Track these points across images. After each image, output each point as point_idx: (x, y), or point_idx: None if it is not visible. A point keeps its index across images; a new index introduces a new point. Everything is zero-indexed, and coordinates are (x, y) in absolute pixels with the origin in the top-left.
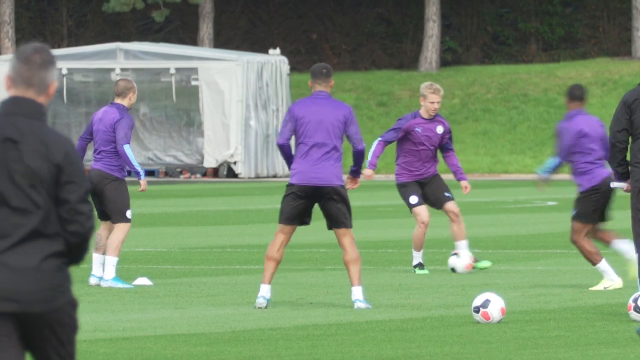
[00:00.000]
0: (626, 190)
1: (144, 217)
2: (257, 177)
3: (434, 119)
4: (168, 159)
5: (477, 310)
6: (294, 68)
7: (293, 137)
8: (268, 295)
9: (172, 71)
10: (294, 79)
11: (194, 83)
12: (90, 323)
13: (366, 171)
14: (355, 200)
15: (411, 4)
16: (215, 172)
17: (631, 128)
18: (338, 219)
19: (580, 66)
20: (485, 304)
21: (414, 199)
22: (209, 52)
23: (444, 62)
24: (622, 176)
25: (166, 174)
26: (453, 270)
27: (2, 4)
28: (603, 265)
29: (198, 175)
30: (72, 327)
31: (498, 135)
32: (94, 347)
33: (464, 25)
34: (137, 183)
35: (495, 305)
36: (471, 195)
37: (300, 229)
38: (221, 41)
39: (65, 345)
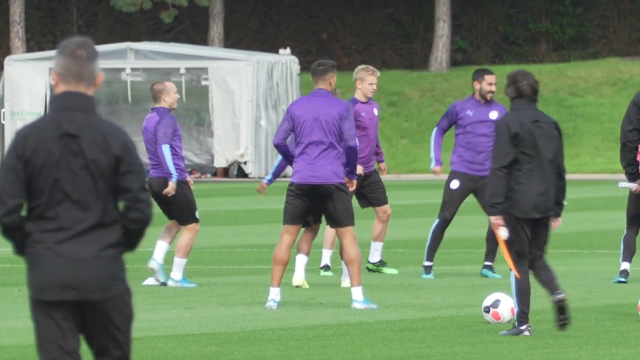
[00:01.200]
0: (635, 191)
1: (155, 217)
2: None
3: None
4: None
5: (487, 310)
6: (304, 68)
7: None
8: (278, 297)
9: (182, 71)
10: (305, 78)
11: (204, 83)
12: None
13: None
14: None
15: (421, 4)
16: (225, 172)
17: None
18: (336, 217)
19: (591, 66)
20: (496, 304)
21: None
22: (219, 52)
23: (454, 62)
24: (632, 176)
25: None
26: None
27: (12, 3)
28: None
29: (208, 175)
30: (128, 314)
31: None
32: None
33: (474, 25)
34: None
35: (506, 305)
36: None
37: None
38: (231, 41)
39: (122, 332)
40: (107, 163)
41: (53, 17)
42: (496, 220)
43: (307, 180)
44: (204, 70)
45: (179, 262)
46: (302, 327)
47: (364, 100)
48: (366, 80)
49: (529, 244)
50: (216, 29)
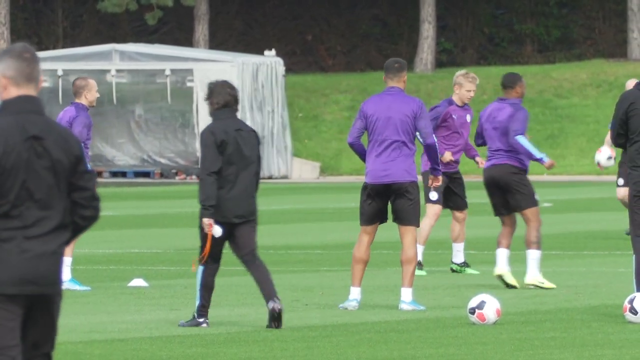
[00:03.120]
0: None
1: (140, 219)
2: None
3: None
4: (163, 161)
5: (472, 311)
6: (289, 69)
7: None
8: (359, 297)
9: (168, 72)
10: (290, 80)
11: (189, 84)
12: (86, 324)
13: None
14: (350, 202)
15: (406, 5)
16: None
17: (628, 132)
18: (402, 215)
19: (576, 67)
20: (481, 305)
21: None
22: (204, 54)
23: (439, 64)
24: None
25: (162, 175)
26: None
27: None
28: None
29: (193, 177)
30: (59, 312)
31: None
32: (89, 348)
33: (459, 26)
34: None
35: (491, 307)
36: (468, 197)
37: (291, 230)
38: (216, 42)
39: (55, 329)
40: (68, 163)
41: (38, 18)
42: (209, 221)
43: (381, 180)
44: (189, 71)
45: (65, 262)
46: (287, 329)
47: (459, 104)
48: (464, 87)
49: (235, 247)
50: (201, 30)
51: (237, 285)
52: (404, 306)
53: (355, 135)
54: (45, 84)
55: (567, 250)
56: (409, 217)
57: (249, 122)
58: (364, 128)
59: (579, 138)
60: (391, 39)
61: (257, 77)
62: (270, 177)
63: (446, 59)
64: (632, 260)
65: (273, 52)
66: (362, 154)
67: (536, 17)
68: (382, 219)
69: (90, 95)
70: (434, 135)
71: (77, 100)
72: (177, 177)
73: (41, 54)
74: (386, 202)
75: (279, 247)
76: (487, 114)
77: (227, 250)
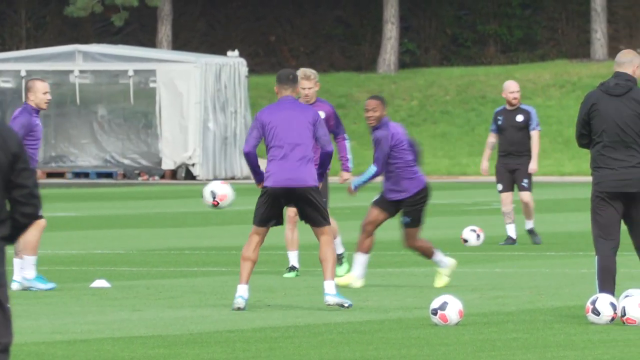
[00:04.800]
0: None
1: (103, 220)
2: (215, 179)
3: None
4: (126, 161)
5: (434, 312)
6: (252, 70)
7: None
8: (246, 295)
9: (131, 73)
10: (253, 81)
11: (152, 85)
12: (48, 325)
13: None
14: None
15: (369, 6)
16: (173, 174)
17: (591, 132)
18: (313, 218)
19: (539, 68)
20: (443, 307)
21: None
22: (167, 54)
23: (402, 64)
24: None
25: (124, 176)
26: None
27: None
28: (439, 255)
29: (156, 178)
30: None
31: (456, 137)
32: (51, 349)
33: (422, 27)
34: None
35: (453, 308)
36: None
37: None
38: (179, 43)
39: (7, 317)
40: (6, 161)
41: (1, 19)
42: None
43: (285, 184)
44: (152, 72)
45: (29, 260)
46: (249, 329)
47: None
48: (300, 85)
49: None
50: (164, 31)
51: (199, 286)
52: (329, 299)
53: (252, 145)
54: (8, 85)
55: (529, 252)
56: (319, 219)
57: (211, 123)
58: (261, 137)
59: (541, 139)
60: (354, 40)
61: (220, 77)
62: (232, 178)
63: (409, 60)
64: (593, 261)
65: (236, 52)
66: (255, 165)
67: (499, 18)
68: (278, 221)
69: (35, 97)
70: (331, 144)
71: (26, 102)
72: (139, 178)
73: (4, 55)
74: (283, 206)
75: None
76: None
77: (181, 252)
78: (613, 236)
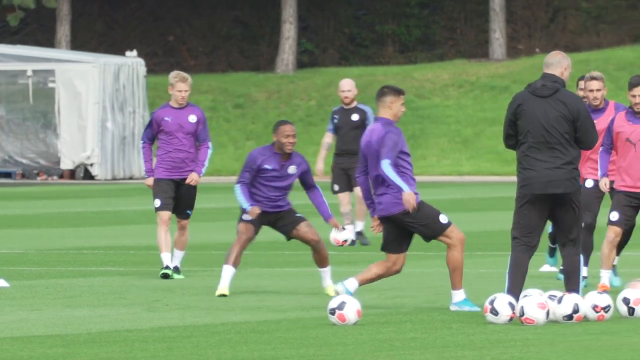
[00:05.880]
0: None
1: (1, 219)
2: (114, 178)
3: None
4: (25, 161)
5: (332, 312)
6: (150, 70)
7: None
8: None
9: (29, 73)
10: (151, 81)
11: (50, 85)
12: None
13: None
14: (211, 202)
15: (268, 6)
16: (72, 174)
17: (517, 133)
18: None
19: (437, 68)
20: (341, 306)
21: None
22: (66, 54)
23: (300, 64)
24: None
25: (23, 175)
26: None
27: None
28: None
29: (55, 177)
30: None
31: None
32: None
33: (320, 27)
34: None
35: (351, 307)
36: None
37: (152, 230)
38: (78, 44)
39: None
40: None
41: None
42: None
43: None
44: (51, 72)
45: None
46: (148, 329)
47: (175, 105)
48: (175, 87)
49: None
50: (63, 31)
51: (98, 286)
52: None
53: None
54: None
55: (427, 251)
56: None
57: (109, 123)
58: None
59: (440, 139)
60: (252, 40)
61: (118, 77)
62: (131, 178)
63: (307, 60)
64: (497, 260)
65: (134, 53)
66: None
67: (397, 17)
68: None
69: None
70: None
71: None
72: (38, 178)
73: None
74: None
75: (142, 248)
76: None
77: (80, 252)
78: (532, 239)
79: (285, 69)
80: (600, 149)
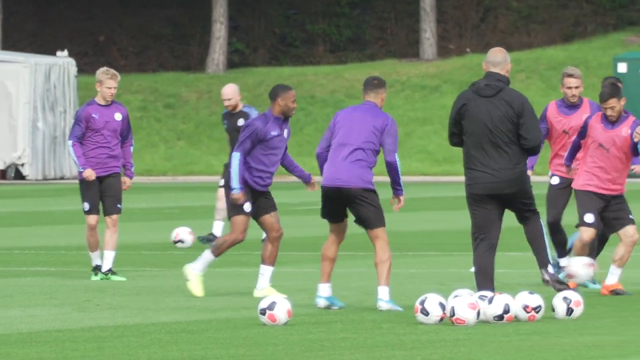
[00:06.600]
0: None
1: None
2: (45, 178)
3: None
4: None
5: (263, 312)
6: (81, 70)
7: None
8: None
9: None
10: (82, 80)
11: None
12: None
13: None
14: (141, 202)
15: (198, 6)
16: (2, 174)
17: (462, 132)
18: None
19: (368, 68)
20: (272, 306)
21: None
22: None
23: (231, 64)
24: None
25: None
26: None
27: None
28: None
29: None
30: None
31: None
32: None
33: (251, 27)
34: None
35: (282, 308)
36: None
37: (81, 232)
38: (9, 43)
39: None
40: None
41: None
42: None
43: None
44: None
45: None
46: (78, 329)
47: (102, 102)
48: (105, 84)
49: None
50: None
51: (28, 286)
52: (382, 305)
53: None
54: None
55: (357, 251)
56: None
57: (40, 123)
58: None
59: None
60: (183, 40)
61: (49, 77)
62: (62, 178)
63: (238, 60)
64: (429, 260)
65: (65, 52)
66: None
67: (328, 17)
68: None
69: None
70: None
71: None
72: None
73: None
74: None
75: (72, 248)
76: None
77: (10, 252)
78: (489, 235)
79: (215, 69)
80: (574, 139)
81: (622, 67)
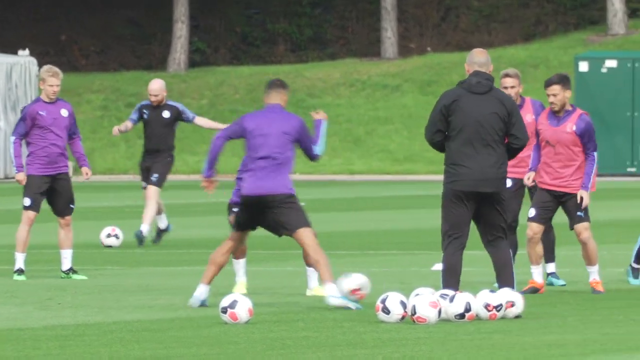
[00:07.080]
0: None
1: None
2: (7, 177)
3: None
4: None
5: (224, 310)
6: None
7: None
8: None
9: None
10: None
11: None
12: None
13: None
14: (102, 201)
15: (159, 5)
16: None
17: (447, 129)
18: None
19: (329, 67)
20: (233, 305)
21: None
22: None
23: (192, 63)
24: None
25: None
26: None
27: None
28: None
29: None
30: None
31: None
32: None
33: (212, 26)
34: None
35: (243, 306)
36: (216, 196)
37: (44, 229)
38: None
39: None
40: None
41: None
42: None
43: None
44: None
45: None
46: (40, 327)
47: (46, 100)
48: (47, 82)
49: None
50: None
51: None
52: (333, 300)
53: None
54: None
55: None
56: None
57: (2, 123)
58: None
59: (331, 138)
60: (144, 39)
61: (11, 77)
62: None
63: (199, 59)
64: (389, 259)
65: (27, 52)
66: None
67: (289, 16)
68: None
69: None
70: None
71: None
72: None
73: None
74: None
75: (33, 247)
76: None
77: None
78: (461, 234)
79: (177, 68)
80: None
81: (583, 66)
